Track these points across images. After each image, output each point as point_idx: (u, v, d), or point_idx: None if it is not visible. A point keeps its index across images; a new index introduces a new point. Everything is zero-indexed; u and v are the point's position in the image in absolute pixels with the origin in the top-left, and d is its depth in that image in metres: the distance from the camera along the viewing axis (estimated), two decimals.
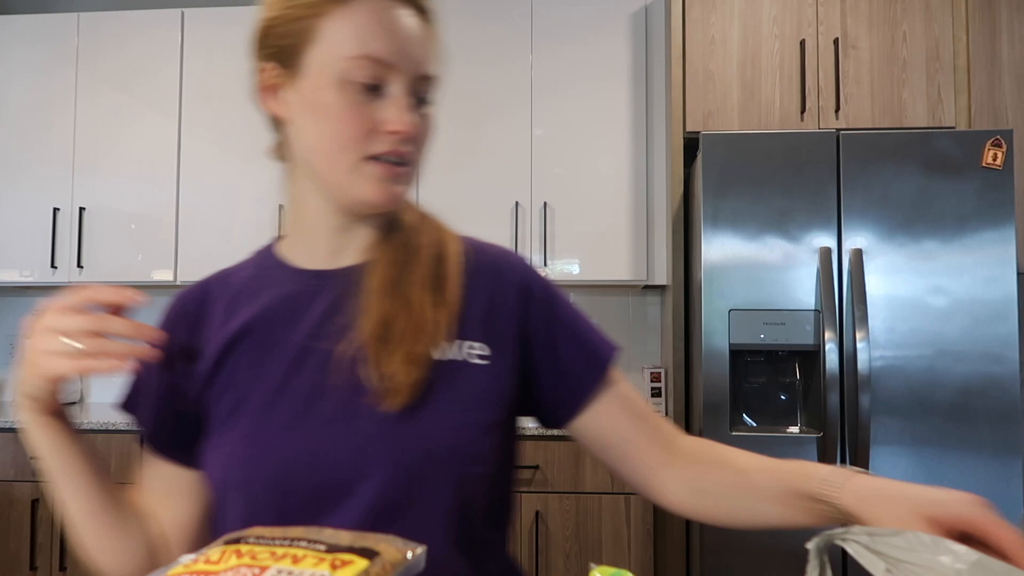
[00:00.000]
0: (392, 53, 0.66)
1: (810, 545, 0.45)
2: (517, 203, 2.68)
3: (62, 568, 2.44)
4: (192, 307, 0.77)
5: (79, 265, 2.79)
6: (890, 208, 2.05)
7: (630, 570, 0.62)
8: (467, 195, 2.70)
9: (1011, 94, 2.37)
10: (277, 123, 0.73)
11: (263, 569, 0.46)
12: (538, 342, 0.75)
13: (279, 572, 0.46)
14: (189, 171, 2.79)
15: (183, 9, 2.83)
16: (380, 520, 0.64)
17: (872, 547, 0.41)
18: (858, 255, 2.03)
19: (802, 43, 2.41)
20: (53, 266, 2.79)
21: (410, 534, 0.54)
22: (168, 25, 2.82)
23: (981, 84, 2.37)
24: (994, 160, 2.01)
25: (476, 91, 2.73)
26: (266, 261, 0.78)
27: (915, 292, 2.03)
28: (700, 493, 0.72)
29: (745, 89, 2.43)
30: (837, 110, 2.38)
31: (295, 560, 0.47)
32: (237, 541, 0.51)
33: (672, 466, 0.75)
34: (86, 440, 0.69)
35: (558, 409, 0.76)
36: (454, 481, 0.66)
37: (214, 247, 2.75)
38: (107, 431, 2.45)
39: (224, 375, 0.72)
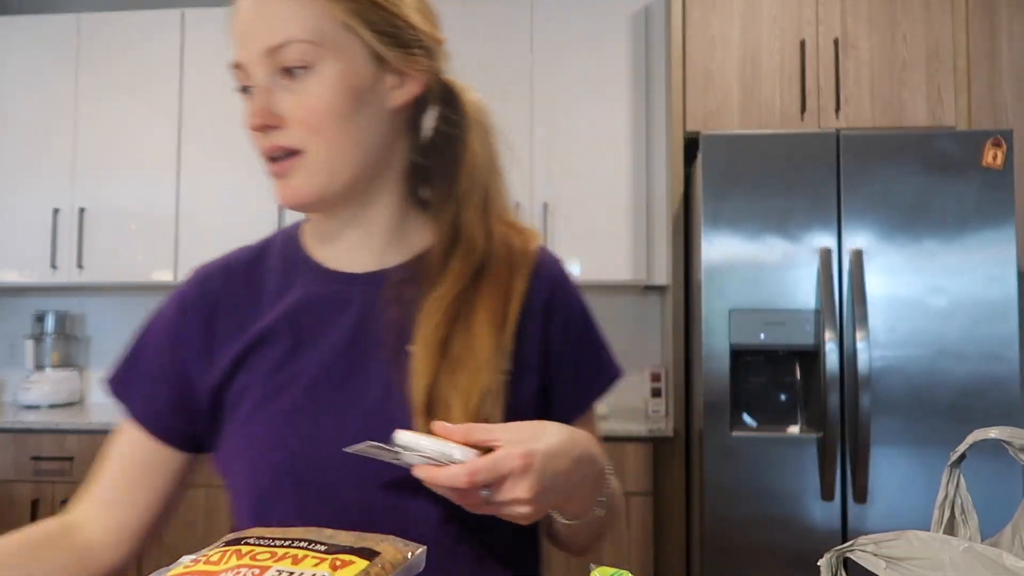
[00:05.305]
0: (240, 51, 0.65)
1: (821, 563, 0.48)
2: (517, 203, 2.68)
3: None
4: (212, 294, 0.73)
5: (79, 265, 2.79)
6: (890, 208, 2.05)
7: (630, 571, 0.62)
8: None
9: (1011, 94, 2.37)
10: None
11: (263, 570, 0.46)
12: (553, 355, 0.74)
13: (279, 572, 0.46)
14: (189, 171, 2.79)
15: (183, 9, 2.83)
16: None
17: (876, 552, 0.44)
18: (858, 255, 2.03)
19: (802, 43, 2.40)
20: (53, 266, 2.79)
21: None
22: (168, 26, 2.82)
23: (981, 84, 2.37)
24: (994, 160, 2.01)
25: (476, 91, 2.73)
26: (292, 253, 0.76)
27: (915, 292, 2.03)
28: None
29: (745, 89, 2.43)
30: (837, 110, 2.38)
31: (295, 561, 0.47)
32: (237, 542, 0.51)
33: None
34: None
35: (552, 417, 0.75)
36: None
37: (214, 247, 2.73)
38: (107, 432, 2.45)
39: (246, 373, 0.69)
